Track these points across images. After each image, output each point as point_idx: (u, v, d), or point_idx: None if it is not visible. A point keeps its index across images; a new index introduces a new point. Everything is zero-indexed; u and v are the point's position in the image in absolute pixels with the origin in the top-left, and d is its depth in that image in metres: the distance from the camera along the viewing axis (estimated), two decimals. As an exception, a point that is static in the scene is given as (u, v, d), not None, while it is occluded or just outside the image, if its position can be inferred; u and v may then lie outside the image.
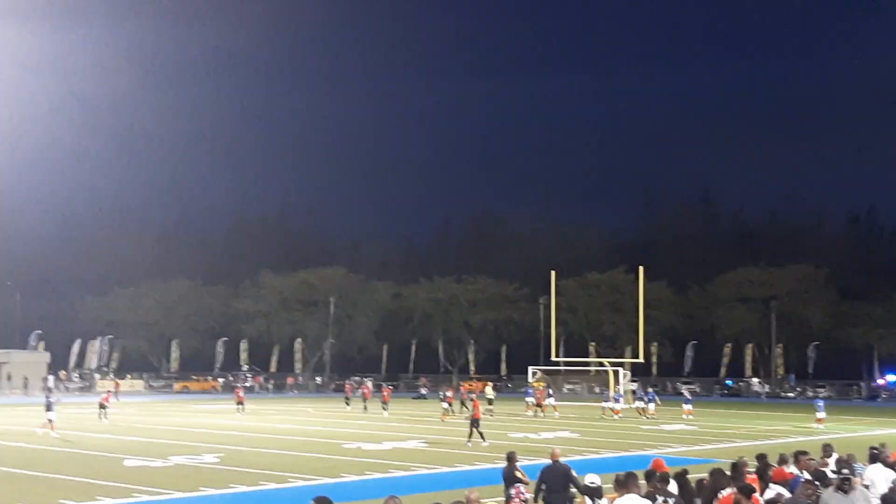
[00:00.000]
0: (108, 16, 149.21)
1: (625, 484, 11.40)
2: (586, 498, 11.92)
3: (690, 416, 46.89)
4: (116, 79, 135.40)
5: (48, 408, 36.36)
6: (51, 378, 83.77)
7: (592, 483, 12.04)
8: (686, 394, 53.24)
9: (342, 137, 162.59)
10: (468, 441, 32.28)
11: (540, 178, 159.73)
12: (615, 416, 47.47)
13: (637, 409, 49.75)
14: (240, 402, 50.87)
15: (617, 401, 49.60)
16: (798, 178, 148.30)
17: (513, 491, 15.50)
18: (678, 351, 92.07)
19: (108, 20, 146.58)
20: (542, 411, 49.15)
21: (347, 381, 65.50)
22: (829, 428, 41.38)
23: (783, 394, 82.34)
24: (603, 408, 50.25)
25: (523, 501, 15.52)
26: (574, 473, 15.07)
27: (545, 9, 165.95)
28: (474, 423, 33.12)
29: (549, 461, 15.47)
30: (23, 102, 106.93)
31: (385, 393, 51.47)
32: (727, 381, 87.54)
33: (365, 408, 51.21)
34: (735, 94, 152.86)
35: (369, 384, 64.24)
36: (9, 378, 79.60)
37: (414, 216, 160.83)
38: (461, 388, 51.23)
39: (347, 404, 54.20)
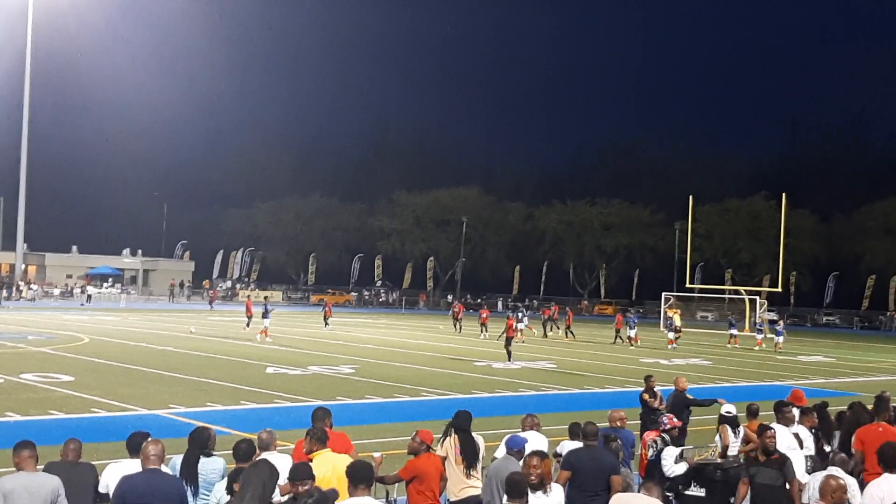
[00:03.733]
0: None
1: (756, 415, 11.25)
2: (726, 427, 11.78)
3: (760, 347, 44.88)
4: (263, 2, 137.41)
5: (265, 314, 39.31)
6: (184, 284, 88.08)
7: (728, 413, 11.92)
8: (760, 323, 49.09)
9: (479, 61, 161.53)
10: (510, 360, 32.66)
11: (679, 103, 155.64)
12: (756, 348, 45.52)
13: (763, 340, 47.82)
14: (327, 317, 49.55)
15: (761, 331, 47.80)
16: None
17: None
18: (819, 281, 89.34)
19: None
20: (633, 343, 44.55)
21: (455, 302, 64.58)
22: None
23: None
24: (732, 335, 48.21)
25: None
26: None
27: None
28: (507, 341, 33.86)
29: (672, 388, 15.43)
30: (173, 23, 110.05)
31: (483, 315, 48.84)
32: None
33: (459, 328, 50.09)
34: (888, 16, 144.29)
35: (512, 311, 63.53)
36: (181, 285, 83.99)
37: (548, 139, 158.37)
38: (542, 313, 50.84)
39: (455, 325, 51.76)
